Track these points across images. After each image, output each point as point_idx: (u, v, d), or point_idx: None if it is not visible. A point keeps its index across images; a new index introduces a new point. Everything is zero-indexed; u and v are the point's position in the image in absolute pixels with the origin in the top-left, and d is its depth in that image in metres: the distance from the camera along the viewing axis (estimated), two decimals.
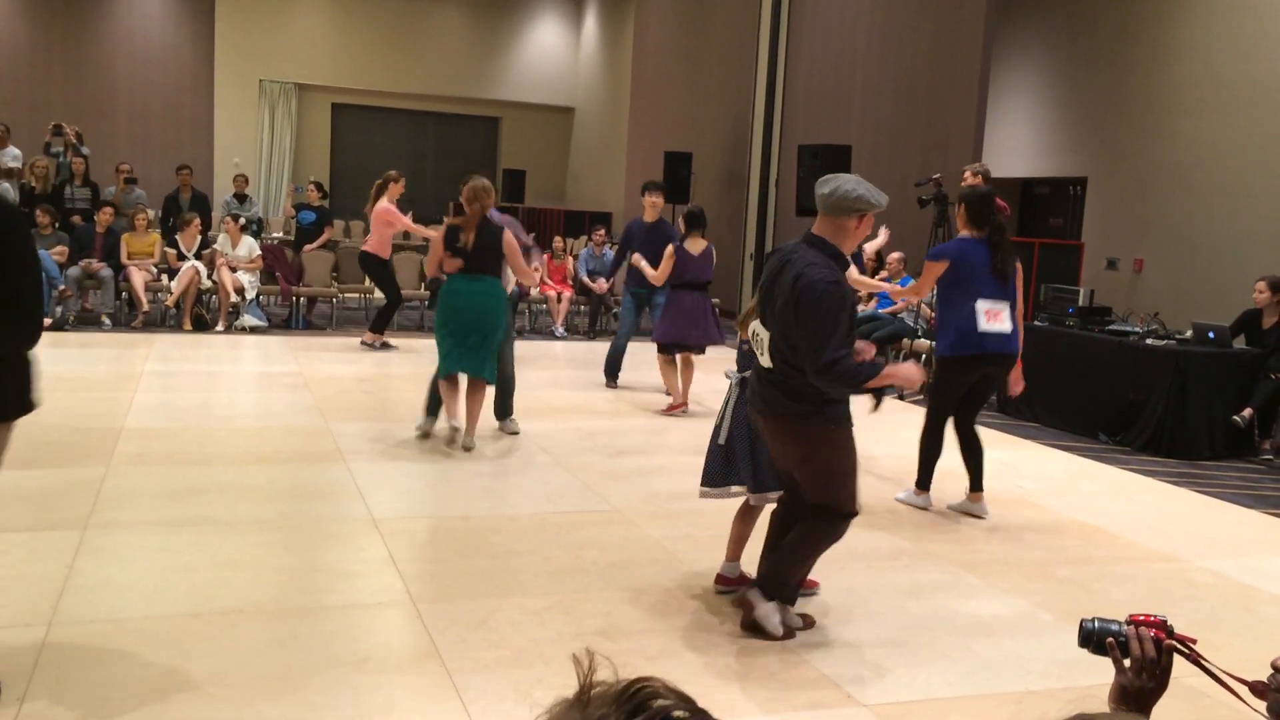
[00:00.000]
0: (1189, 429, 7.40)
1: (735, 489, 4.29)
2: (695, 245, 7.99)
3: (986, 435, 7.76)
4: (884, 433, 7.28)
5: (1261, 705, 1.71)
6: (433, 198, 21.14)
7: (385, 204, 10.18)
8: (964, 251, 5.50)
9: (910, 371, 3.81)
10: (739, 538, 4.36)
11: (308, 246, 11.89)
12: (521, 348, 11.26)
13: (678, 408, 8.02)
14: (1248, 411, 7.40)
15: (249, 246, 11.28)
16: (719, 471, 4.31)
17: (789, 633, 3.85)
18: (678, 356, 8.03)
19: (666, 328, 7.96)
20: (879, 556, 4.88)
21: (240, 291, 10.98)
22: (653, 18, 18.54)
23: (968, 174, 8.81)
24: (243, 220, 11.65)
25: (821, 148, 11.61)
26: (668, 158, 14.99)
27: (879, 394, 5.13)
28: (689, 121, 16.69)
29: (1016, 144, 13.73)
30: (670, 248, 8.01)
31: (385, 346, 10.39)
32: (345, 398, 7.88)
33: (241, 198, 13.23)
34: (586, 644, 3.69)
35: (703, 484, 4.36)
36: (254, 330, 10.93)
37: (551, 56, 23.05)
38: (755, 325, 3.91)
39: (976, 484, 5.68)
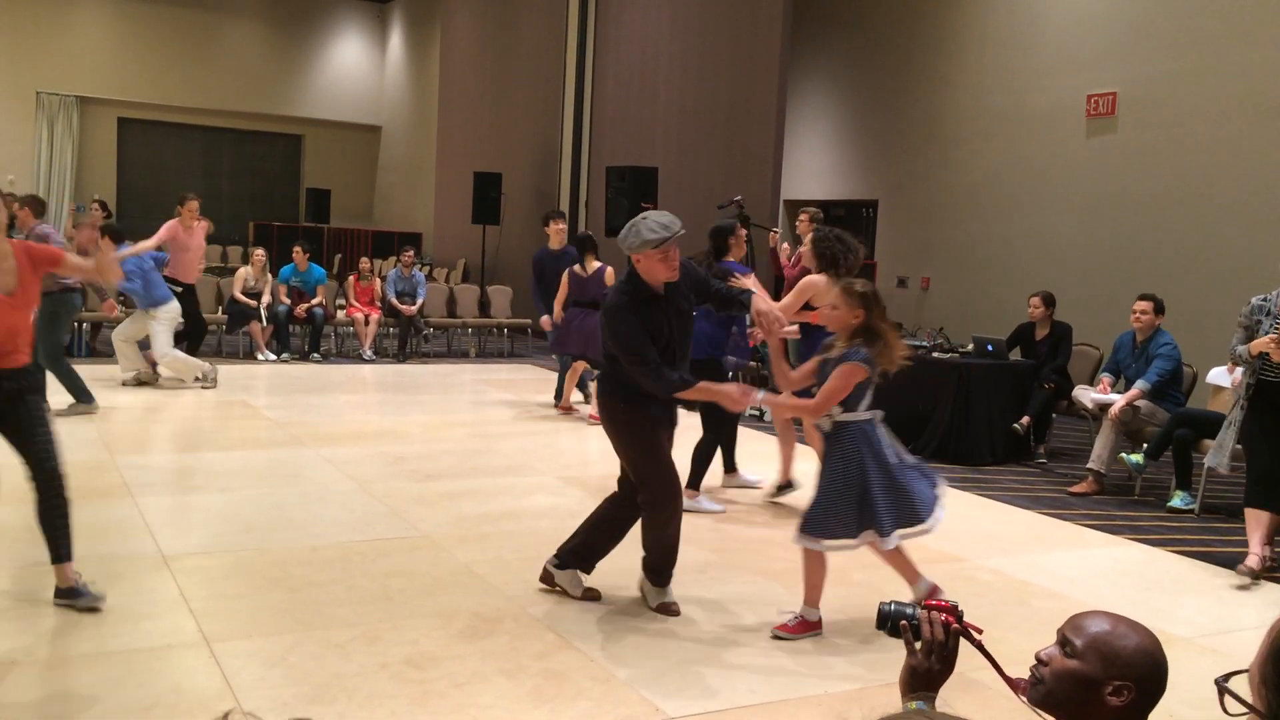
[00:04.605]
0: (972, 437, 7.87)
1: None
2: (589, 266, 8.58)
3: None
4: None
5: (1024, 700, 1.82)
6: (230, 217, 20.29)
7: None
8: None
9: (730, 391, 4.11)
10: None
11: None
12: (328, 371, 10.95)
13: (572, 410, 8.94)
14: (1026, 419, 7.93)
15: None
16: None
17: (665, 609, 4.35)
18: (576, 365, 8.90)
19: (575, 342, 8.54)
20: (686, 570, 4.96)
21: None
22: (458, 37, 18.43)
23: (804, 217, 9.29)
24: None
25: (629, 169, 11.81)
26: (477, 178, 14.92)
27: (691, 405, 5.37)
28: (498, 142, 16.66)
29: (813, 168, 14.35)
30: (566, 274, 8.63)
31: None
32: (132, 429, 7.44)
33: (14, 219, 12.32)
34: (393, 674, 3.61)
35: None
36: None
37: (356, 74, 22.57)
38: None
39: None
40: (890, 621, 1.94)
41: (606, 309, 4.26)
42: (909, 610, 1.93)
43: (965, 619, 1.95)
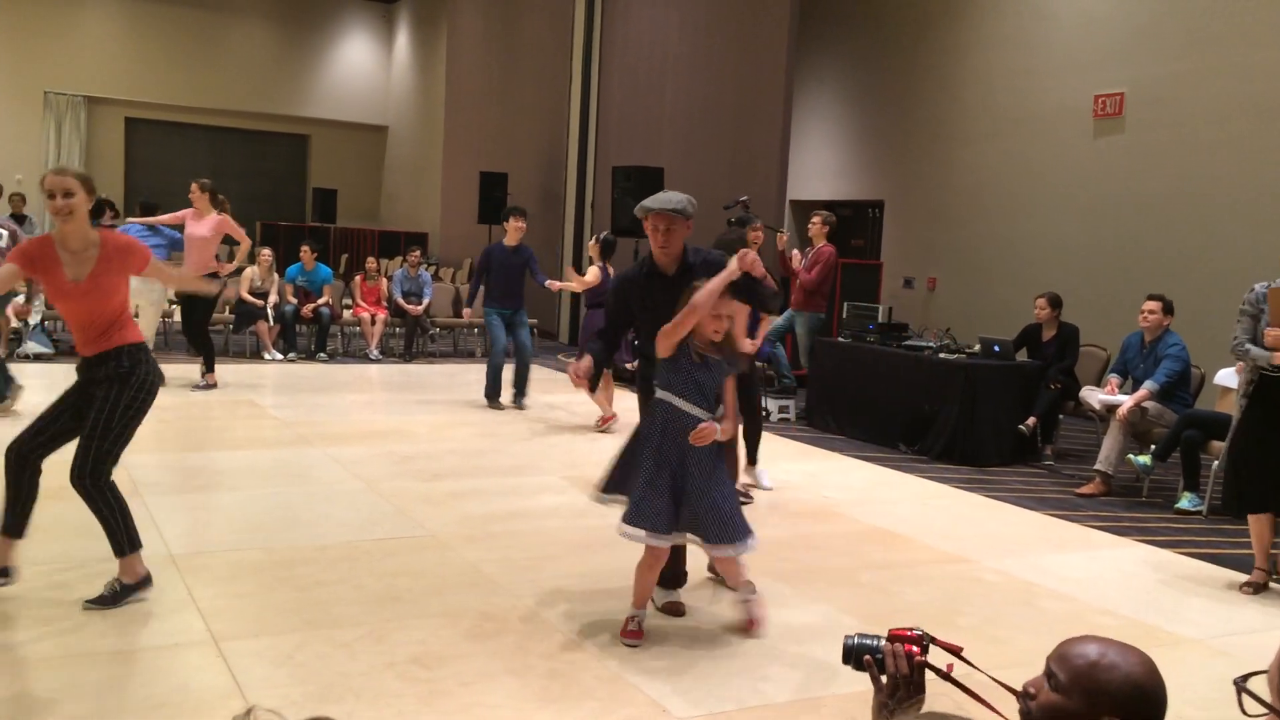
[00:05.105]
0: (979, 437, 7.86)
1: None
2: (610, 271, 8.60)
3: (794, 449, 8.08)
4: None
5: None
6: (236, 217, 20.27)
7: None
8: None
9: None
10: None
11: None
12: (334, 371, 10.97)
13: (609, 420, 8.36)
14: (1032, 420, 7.92)
15: None
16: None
17: (670, 609, 4.38)
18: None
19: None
20: (692, 571, 4.97)
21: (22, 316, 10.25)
22: (464, 37, 18.45)
23: (816, 220, 9.32)
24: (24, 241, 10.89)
25: (634, 169, 11.81)
26: (483, 178, 14.93)
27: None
28: (504, 142, 16.67)
29: (819, 168, 14.35)
30: (595, 267, 8.70)
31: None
32: (139, 427, 7.44)
33: (20, 219, 12.36)
34: (400, 673, 3.62)
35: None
36: (38, 358, 10.23)
37: (362, 74, 22.59)
38: None
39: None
40: (854, 656, 1.91)
41: (614, 277, 4.54)
42: (872, 643, 1.90)
43: (941, 639, 1.90)
